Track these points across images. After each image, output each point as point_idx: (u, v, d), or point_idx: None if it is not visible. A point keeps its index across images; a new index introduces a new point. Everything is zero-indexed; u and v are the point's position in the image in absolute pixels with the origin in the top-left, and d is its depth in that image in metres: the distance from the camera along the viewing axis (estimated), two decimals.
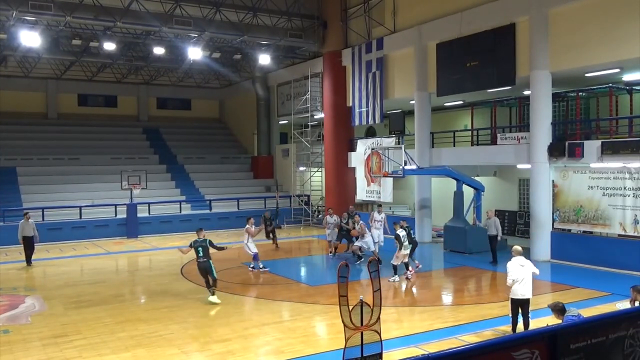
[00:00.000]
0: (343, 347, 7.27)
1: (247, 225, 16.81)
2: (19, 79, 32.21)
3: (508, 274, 9.75)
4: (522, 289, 9.66)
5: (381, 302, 7.56)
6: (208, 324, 11.51)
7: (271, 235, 20.85)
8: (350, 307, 7.20)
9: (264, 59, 27.03)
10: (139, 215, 25.31)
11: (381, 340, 7.43)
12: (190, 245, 13.33)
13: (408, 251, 15.28)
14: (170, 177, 30.69)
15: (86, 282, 15.96)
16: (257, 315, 12.09)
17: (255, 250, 16.64)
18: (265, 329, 11.02)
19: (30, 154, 29.04)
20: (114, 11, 21.97)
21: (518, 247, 10.08)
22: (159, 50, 26.07)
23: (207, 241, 13.24)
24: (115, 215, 25.38)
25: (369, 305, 7.33)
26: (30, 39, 22.43)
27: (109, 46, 25.07)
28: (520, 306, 9.75)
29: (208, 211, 27.75)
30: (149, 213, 25.96)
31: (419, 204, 22.36)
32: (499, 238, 17.18)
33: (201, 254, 13.10)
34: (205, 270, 13.15)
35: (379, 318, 7.39)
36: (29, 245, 18.61)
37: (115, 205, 25.49)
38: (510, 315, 9.98)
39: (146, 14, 22.37)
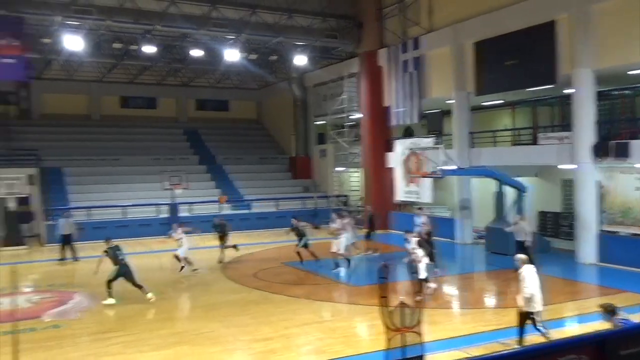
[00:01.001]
0: (384, 348, 7.30)
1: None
2: (63, 82, 33.16)
3: (525, 285, 9.10)
4: (538, 300, 9.13)
5: (423, 303, 7.56)
6: (249, 322, 11.68)
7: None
8: (391, 309, 7.22)
9: (300, 59, 27.18)
10: (180, 214, 25.78)
11: (423, 343, 7.42)
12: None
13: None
14: (209, 178, 31.17)
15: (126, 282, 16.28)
16: (298, 314, 12.20)
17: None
18: (306, 328, 11.13)
19: (75, 155, 29.86)
20: (152, 15, 22.47)
21: (523, 256, 9.76)
22: (196, 53, 26.52)
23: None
24: (158, 215, 25.92)
25: (410, 307, 7.34)
26: (73, 43, 23.08)
27: (149, 49, 25.62)
28: (532, 319, 9.14)
29: (247, 211, 28.07)
30: (190, 213, 26.42)
31: (459, 205, 22.16)
32: (528, 244, 15.78)
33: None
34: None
35: (420, 320, 7.39)
36: (68, 243, 19.42)
37: (157, 205, 26.04)
38: (519, 327, 9.24)
39: (183, 17, 22.79)
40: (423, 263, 12.38)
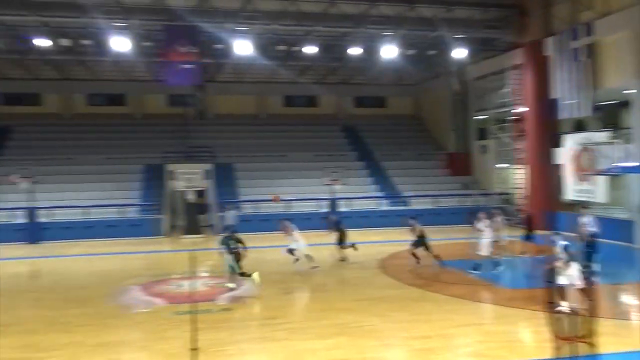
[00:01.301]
0: (552, 357, 6.87)
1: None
2: (234, 84, 35.72)
3: None
4: None
5: (595, 311, 6.99)
6: (408, 319, 11.66)
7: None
8: (559, 315, 6.77)
9: (460, 53, 26.46)
10: (340, 209, 26.48)
11: (597, 354, 6.86)
12: None
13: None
14: (367, 174, 31.63)
15: (293, 271, 17.12)
16: (457, 315, 11.91)
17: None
18: (466, 330, 10.85)
19: (245, 152, 32.06)
20: (313, 16, 23.31)
21: None
22: (355, 51, 27.01)
23: None
24: (318, 209, 26.93)
25: (580, 315, 6.83)
26: (242, 47, 24.74)
27: (310, 49, 26.65)
28: None
29: (404, 207, 28.06)
30: (349, 208, 27.06)
31: (639, 206, 20.08)
32: None
33: None
34: None
35: (593, 330, 6.84)
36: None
37: (318, 200, 27.04)
38: None
39: (342, 16, 23.33)
40: (569, 268, 11.32)
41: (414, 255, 17.08)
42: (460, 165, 32.61)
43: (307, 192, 28.08)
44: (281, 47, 26.90)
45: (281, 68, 33.14)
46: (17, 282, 17.46)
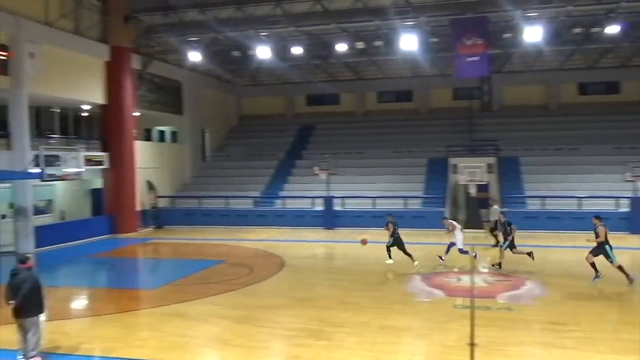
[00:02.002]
0: None
1: None
2: (522, 73, 34.04)
3: None
4: None
5: None
6: None
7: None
8: None
9: None
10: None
11: None
12: None
13: None
14: None
15: (583, 275, 15.52)
16: None
17: None
18: None
19: (532, 145, 30.38)
20: None
21: None
22: None
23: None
24: (617, 209, 24.01)
25: None
26: (533, 34, 23.35)
27: (612, 29, 23.79)
28: None
29: None
30: None
31: None
32: None
33: None
34: None
35: None
36: (496, 229, 20.11)
37: (616, 198, 24.14)
38: None
39: None
40: None
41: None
42: None
43: (602, 189, 25.24)
44: (577, 30, 24.60)
45: (576, 53, 30.44)
46: (314, 262, 19.67)
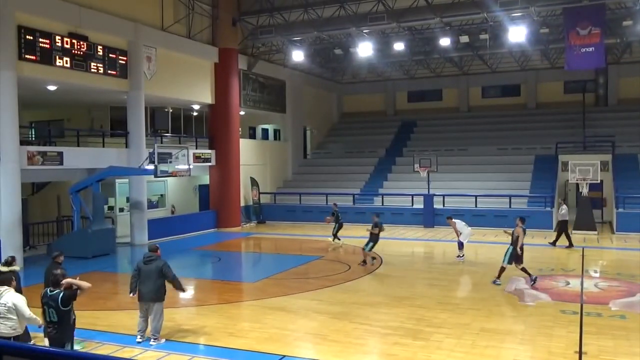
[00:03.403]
0: None
1: None
2: None
3: None
4: None
5: None
6: None
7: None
8: None
9: None
10: None
11: None
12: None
13: None
14: None
15: None
16: None
17: None
18: None
19: None
20: None
21: None
22: None
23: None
24: None
25: None
26: None
27: None
28: None
29: None
30: None
31: None
32: None
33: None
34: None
35: None
36: (563, 229, 19.75)
37: None
38: None
39: None
40: None
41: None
42: None
43: None
44: None
45: None
46: (413, 260, 19.45)
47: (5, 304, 7.31)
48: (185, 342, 10.01)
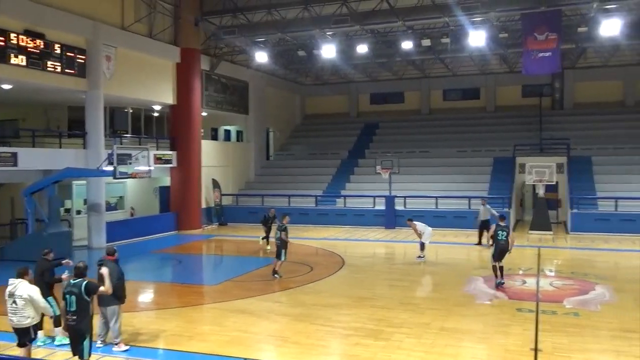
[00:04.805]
0: None
1: None
2: (596, 69, 32.57)
3: None
4: None
5: None
6: None
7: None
8: None
9: None
10: None
11: None
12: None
13: None
14: None
15: None
16: None
17: None
18: None
19: (606, 144, 29.03)
20: None
21: None
22: None
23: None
24: None
25: None
26: (609, 27, 22.25)
27: None
28: None
29: None
30: None
31: None
32: None
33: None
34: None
35: None
36: (485, 228, 19.85)
37: None
38: None
39: None
40: None
41: None
42: None
43: None
44: None
45: None
46: (375, 262, 19.59)
47: (21, 296, 7.91)
48: (144, 347, 9.85)
